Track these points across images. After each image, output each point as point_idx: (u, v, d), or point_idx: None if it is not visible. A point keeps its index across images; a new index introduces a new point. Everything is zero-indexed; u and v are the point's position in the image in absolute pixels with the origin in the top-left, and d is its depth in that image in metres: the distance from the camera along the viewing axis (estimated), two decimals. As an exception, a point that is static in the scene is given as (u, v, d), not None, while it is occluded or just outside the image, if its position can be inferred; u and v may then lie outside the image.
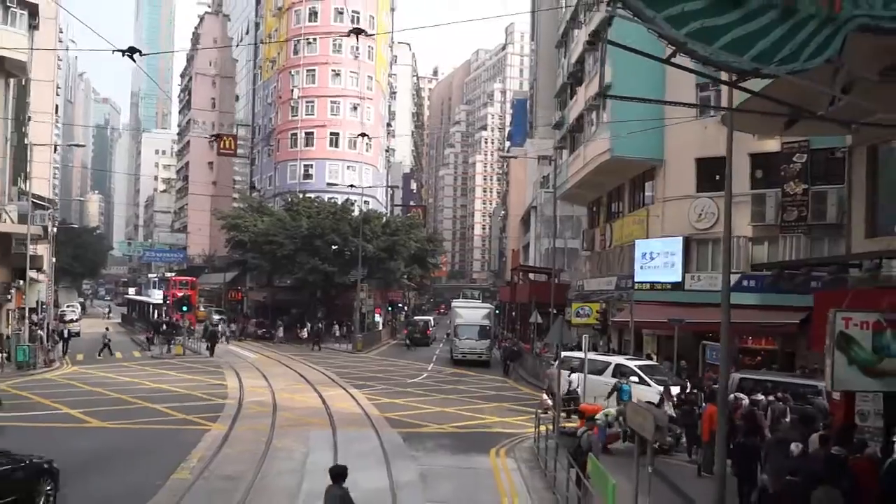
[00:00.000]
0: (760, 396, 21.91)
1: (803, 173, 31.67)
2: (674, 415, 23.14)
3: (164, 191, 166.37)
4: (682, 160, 36.69)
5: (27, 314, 46.71)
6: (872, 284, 15.52)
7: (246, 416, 27.66)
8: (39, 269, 50.48)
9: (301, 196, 74.02)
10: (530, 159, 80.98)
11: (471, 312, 56.45)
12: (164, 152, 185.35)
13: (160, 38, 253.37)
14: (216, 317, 74.12)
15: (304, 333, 63.86)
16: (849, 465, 14.62)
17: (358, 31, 29.12)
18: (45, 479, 16.12)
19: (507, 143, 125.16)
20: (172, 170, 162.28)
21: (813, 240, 31.68)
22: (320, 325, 65.84)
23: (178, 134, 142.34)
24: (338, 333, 67.15)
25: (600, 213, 49.34)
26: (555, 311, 41.40)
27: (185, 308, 54.35)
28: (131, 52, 18.05)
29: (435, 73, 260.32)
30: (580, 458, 16.01)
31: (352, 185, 73.30)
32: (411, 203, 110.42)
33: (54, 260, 65.61)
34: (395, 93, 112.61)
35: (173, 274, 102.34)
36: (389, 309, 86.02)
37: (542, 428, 21.57)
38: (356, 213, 69.36)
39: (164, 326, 55.87)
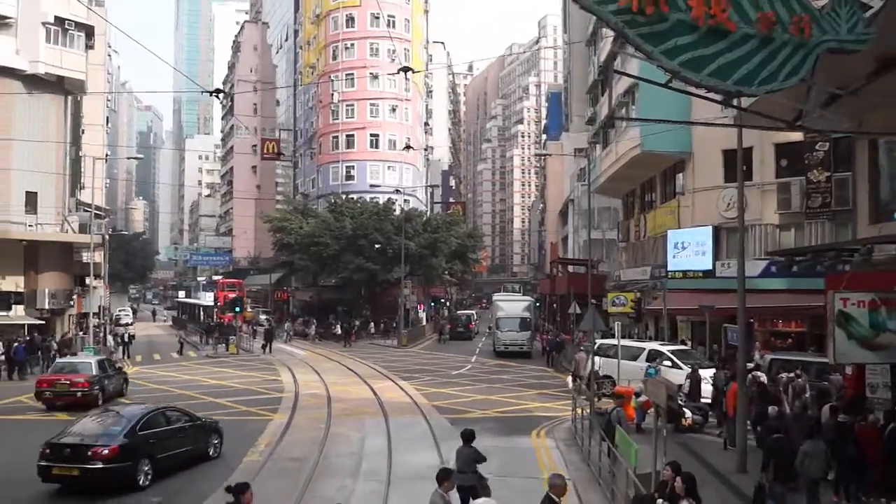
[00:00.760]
0: (783, 375, 23.49)
1: (826, 161, 32.94)
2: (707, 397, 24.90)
3: (209, 195, 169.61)
4: (710, 152, 38.15)
5: (89, 319, 49.27)
6: (867, 268, 17.04)
7: (303, 406, 29.76)
8: (98, 276, 53.05)
9: (344, 197, 76.19)
10: (567, 151, 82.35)
11: (512, 305, 58.25)
12: (207, 157, 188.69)
13: (200, 45, 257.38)
14: (263, 316, 76.45)
15: (338, 330, 65.67)
16: (854, 431, 16.33)
17: (406, 69, 31.11)
18: (214, 434, 21.89)
19: (544, 137, 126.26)
20: (216, 174, 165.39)
21: (837, 225, 32.92)
22: (349, 322, 67.47)
23: (222, 139, 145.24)
24: (373, 330, 68.95)
25: (634, 204, 50.90)
26: (594, 302, 43.02)
27: (237, 309, 56.65)
28: (217, 93, 20.10)
29: (470, 68, 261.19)
30: (611, 432, 17.78)
31: (397, 191, 75.36)
32: (451, 199, 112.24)
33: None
34: (431, 92, 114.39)
35: (221, 276, 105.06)
36: (432, 304, 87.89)
37: (579, 410, 23.36)
38: (398, 211, 71.34)
39: (218, 327, 58.27)
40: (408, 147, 64.59)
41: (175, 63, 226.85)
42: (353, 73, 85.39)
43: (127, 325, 69.96)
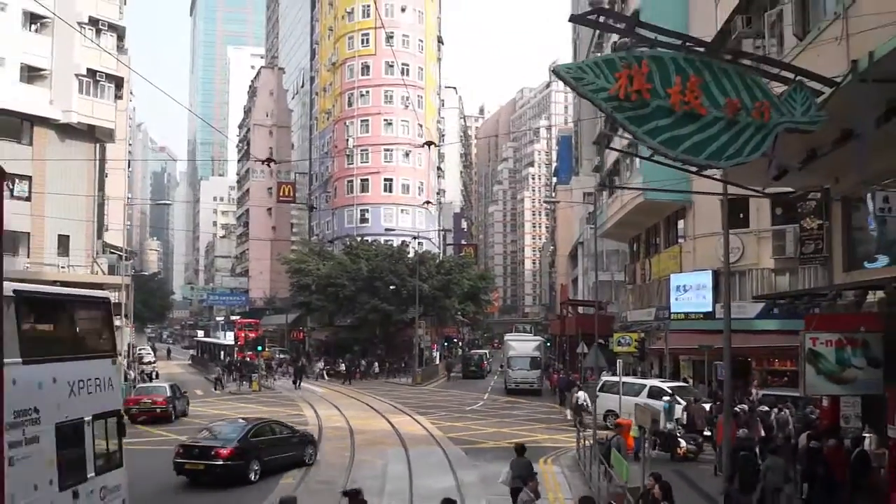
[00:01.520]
0: (765, 407, 25.68)
1: (818, 210, 35.11)
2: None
3: (224, 236, 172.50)
4: (708, 201, 40.25)
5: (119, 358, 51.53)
6: (841, 310, 19.19)
7: (327, 437, 31.97)
8: (126, 316, 55.38)
9: (359, 239, 78.65)
10: (577, 195, 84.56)
11: (522, 345, 60.45)
12: (221, 199, 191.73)
13: (215, 88, 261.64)
14: (279, 356, 78.68)
15: (342, 367, 67.73)
16: (824, 454, 18.48)
17: (430, 143, 33.59)
18: (309, 445, 26.92)
19: (554, 180, 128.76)
20: (230, 215, 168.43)
21: (829, 270, 35.07)
22: (355, 361, 69.97)
23: (238, 182, 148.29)
24: (377, 370, 70.34)
25: (640, 249, 53.18)
26: (602, 342, 45.16)
27: (259, 348, 59.02)
28: (269, 161, 22.70)
29: (481, 111, 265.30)
30: (609, 456, 19.93)
31: (415, 238, 78.05)
32: (462, 242, 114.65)
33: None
34: (443, 135, 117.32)
35: (238, 317, 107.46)
36: (445, 344, 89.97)
37: (584, 441, 25.51)
38: (411, 254, 73.72)
39: (244, 365, 60.72)
40: (428, 202, 67.14)
41: (190, 105, 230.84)
42: (367, 120, 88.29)
43: (150, 363, 72.31)
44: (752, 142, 13.49)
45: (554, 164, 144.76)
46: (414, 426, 35.73)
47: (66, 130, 50.41)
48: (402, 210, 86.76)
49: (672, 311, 41.99)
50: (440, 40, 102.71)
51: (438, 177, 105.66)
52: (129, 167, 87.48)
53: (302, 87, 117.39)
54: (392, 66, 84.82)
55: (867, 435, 19.18)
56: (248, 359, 62.96)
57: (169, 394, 39.03)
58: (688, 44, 13.57)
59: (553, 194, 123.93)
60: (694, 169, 14.04)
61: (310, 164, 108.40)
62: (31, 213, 46.94)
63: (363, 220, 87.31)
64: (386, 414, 40.04)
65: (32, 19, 49.45)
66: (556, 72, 12.89)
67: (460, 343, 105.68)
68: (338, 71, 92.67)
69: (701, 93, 13.15)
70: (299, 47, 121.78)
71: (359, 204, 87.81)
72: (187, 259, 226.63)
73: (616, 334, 45.56)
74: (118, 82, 53.63)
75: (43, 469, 12.63)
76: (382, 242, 77.57)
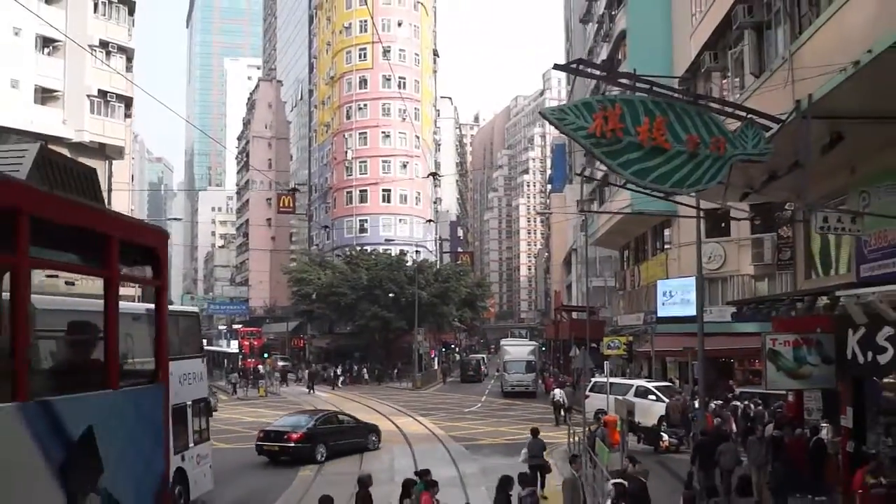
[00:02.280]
0: (737, 403, 28.11)
1: (793, 219, 37.55)
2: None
3: (223, 246, 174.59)
4: (692, 212, 42.74)
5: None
6: (803, 313, 21.48)
7: (337, 438, 34.26)
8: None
9: (358, 249, 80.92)
10: (570, 203, 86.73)
11: (518, 350, 62.80)
12: (220, 209, 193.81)
13: (212, 99, 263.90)
14: (280, 363, 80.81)
15: (330, 374, 69.82)
16: (785, 443, 20.82)
17: (434, 175, 36.17)
18: (373, 433, 31.69)
19: (549, 187, 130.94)
20: (229, 225, 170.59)
21: (794, 277, 37.52)
22: (342, 367, 72.85)
23: (237, 193, 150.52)
24: (367, 376, 72.59)
25: (630, 256, 55.54)
26: (594, 345, 47.49)
27: (265, 355, 61.36)
28: (293, 191, 25.16)
29: (476, 119, 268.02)
30: (594, 446, 22.28)
31: (417, 251, 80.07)
32: (459, 249, 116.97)
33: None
34: (439, 145, 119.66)
35: (240, 325, 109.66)
36: (443, 350, 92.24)
37: (574, 438, 27.84)
38: (409, 262, 76.03)
39: (254, 371, 63.02)
40: (430, 221, 69.47)
41: (188, 116, 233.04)
42: (365, 132, 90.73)
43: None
44: (710, 171, 15.74)
45: (548, 172, 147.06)
46: (417, 426, 38.08)
47: (79, 149, 52.31)
48: (399, 220, 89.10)
49: (659, 315, 44.32)
50: (435, 53, 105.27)
51: (435, 186, 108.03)
52: (132, 181, 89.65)
53: (301, 99, 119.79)
54: (389, 79, 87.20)
55: (824, 425, 21.55)
56: (255, 366, 65.18)
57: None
58: (654, 88, 15.88)
59: (547, 201, 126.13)
60: (662, 194, 16.29)
61: (309, 176, 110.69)
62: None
63: (362, 230, 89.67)
64: (389, 416, 42.31)
65: (45, 43, 51.63)
66: (543, 114, 15.20)
67: (457, 349, 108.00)
68: (336, 85, 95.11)
69: (666, 130, 15.40)
70: (297, 60, 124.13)
71: (358, 214, 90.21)
72: (185, 269, 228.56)
73: (606, 338, 47.84)
74: (128, 102, 55.92)
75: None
76: (381, 252, 79.87)
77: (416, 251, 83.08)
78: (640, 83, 15.81)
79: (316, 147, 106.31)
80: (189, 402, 20.09)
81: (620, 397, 30.32)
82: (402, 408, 47.41)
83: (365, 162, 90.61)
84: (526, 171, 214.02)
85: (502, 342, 74.18)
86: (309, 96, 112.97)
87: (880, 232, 18.19)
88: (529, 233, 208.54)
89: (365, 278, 72.81)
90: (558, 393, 39.86)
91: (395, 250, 79.75)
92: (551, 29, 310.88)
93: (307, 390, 59.84)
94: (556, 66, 16.75)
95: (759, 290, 39.87)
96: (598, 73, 16.28)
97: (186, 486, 19.49)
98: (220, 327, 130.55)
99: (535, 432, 22.28)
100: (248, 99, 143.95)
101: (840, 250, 21.36)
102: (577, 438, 27.32)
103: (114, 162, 67.64)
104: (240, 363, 72.41)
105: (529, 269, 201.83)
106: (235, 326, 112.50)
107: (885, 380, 16.49)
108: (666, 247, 46.74)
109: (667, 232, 46.57)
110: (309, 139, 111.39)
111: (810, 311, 19.84)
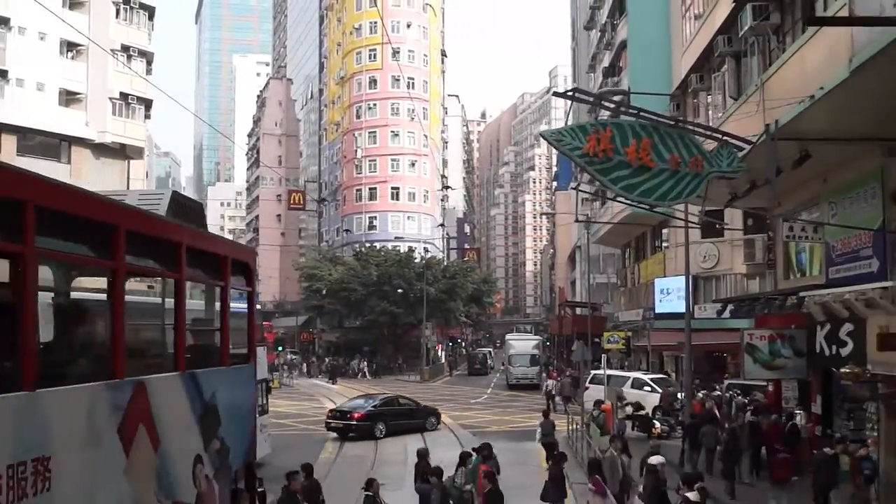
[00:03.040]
0: (718, 393, 30.63)
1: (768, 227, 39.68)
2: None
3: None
4: (690, 215, 44.95)
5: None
6: (778, 311, 23.66)
7: (352, 425, 36.62)
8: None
9: (368, 246, 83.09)
10: (575, 201, 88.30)
11: (522, 344, 65.20)
12: (228, 204, 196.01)
13: (220, 95, 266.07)
14: (290, 356, 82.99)
15: (355, 367, 73.15)
16: (761, 428, 23.07)
17: (446, 187, 38.93)
18: (433, 416, 35.04)
19: (554, 184, 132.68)
20: (238, 220, 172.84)
21: (774, 277, 39.70)
22: (334, 360, 75.17)
23: (248, 189, 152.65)
24: (366, 371, 73.98)
25: (630, 254, 57.72)
26: (596, 340, 49.79)
27: (280, 348, 63.73)
28: (322, 200, 27.60)
29: (483, 115, 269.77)
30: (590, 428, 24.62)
31: (425, 249, 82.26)
32: (466, 246, 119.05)
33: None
34: (446, 143, 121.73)
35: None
36: (450, 344, 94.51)
37: (573, 425, 30.13)
38: (417, 259, 78.27)
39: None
40: (441, 225, 71.60)
41: (196, 111, 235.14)
42: (375, 131, 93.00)
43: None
44: (689, 187, 17.97)
45: (554, 169, 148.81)
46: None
47: (101, 149, 54.50)
48: (408, 217, 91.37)
49: (657, 311, 46.50)
50: (443, 53, 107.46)
51: (442, 184, 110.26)
52: (146, 178, 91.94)
53: (311, 98, 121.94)
54: (398, 79, 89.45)
55: (798, 412, 23.80)
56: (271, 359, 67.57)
57: None
58: (641, 113, 18.10)
59: (553, 198, 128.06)
60: (647, 206, 18.52)
61: (319, 173, 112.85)
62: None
63: (371, 226, 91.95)
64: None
65: (69, 47, 53.75)
66: (542, 135, 17.48)
67: (464, 343, 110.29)
68: (346, 85, 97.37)
69: (651, 151, 17.61)
70: (307, 60, 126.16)
71: (367, 211, 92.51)
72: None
73: (606, 333, 50.13)
74: (147, 104, 58.01)
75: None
76: (391, 249, 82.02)
77: (425, 248, 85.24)
78: (629, 108, 18.07)
79: (326, 145, 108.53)
80: (260, 381, 23.34)
81: (618, 388, 32.60)
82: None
83: (374, 160, 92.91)
84: (532, 168, 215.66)
85: (507, 337, 76.61)
86: (319, 95, 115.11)
87: (845, 238, 20.34)
88: (535, 229, 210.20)
89: (375, 274, 75.02)
90: (551, 384, 43.94)
91: (403, 247, 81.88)
92: (558, 26, 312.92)
93: (330, 382, 62.34)
94: (556, 94, 18.98)
95: (750, 287, 41.85)
96: (591, 100, 18.46)
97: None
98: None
99: (545, 414, 25.89)
100: (259, 96, 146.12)
101: (813, 254, 23.49)
102: (575, 426, 29.61)
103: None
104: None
105: (535, 265, 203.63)
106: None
107: (842, 370, 18.59)
108: (664, 245, 48.89)
109: (665, 232, 48.72)
110: (319, 137, 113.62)
111: (781, 309, 22.10)
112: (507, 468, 22.12)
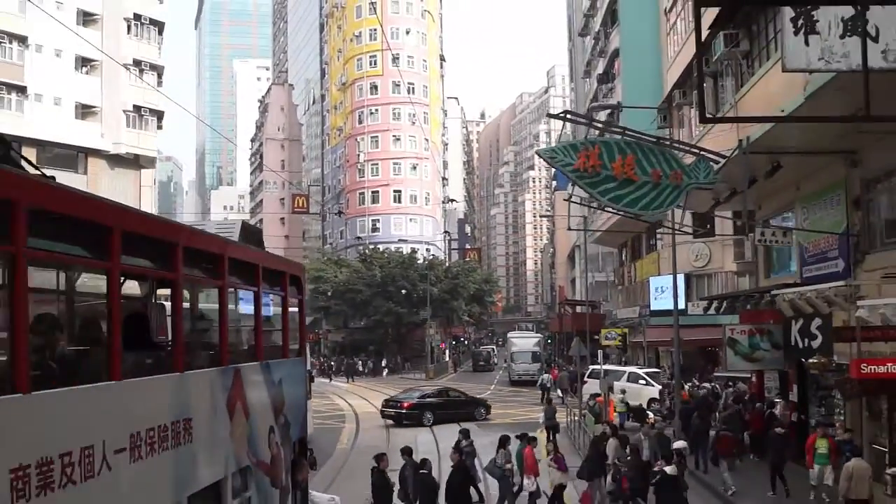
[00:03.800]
0: (707, 384, 32.98)
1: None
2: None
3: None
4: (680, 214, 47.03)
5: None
6: (763, 307, 25.76)
7: (363, 418, 38.88)
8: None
9: (372, 248, 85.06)
10: (568, 208, 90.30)
11: (524, 342, 67.42)
12: (231, 208, 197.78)
13: (221, 100, 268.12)
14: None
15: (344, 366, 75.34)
16: (743, 416, 25.20)
17: (450, 200, 41.43)
18: (481, 406, 38.85)
19: (554, 183, 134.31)
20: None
21: (756, 276, 41.76)
22: (351, 360, 77.49)
23: (251, 193, 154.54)
24: (365, 370, 76.48)
25: (627, 254, 59.79)
26: (595, 337, 51.87)
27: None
28: (339, 212, 29.76)
29: (482, 115, 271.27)
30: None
31: (428, 250, 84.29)
32: (467, 246, 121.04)
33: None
34: (446, 145, 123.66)
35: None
36: (453, 343, 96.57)
37: (571, 417, 32.29)
38: (420, 260, 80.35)
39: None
40: (446, 232, 73.45)
41: (198, 116, 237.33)
42: (377, 136, 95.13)
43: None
44: (670, 198, 20.07)
45: (553, 170, 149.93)
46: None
47: (115, 160, 56.42)
48: (410, 219, 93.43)
49: (652, 308, 48.60)
50: (442, 58, 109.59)
51: (444, 186, 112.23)
52: (154, 184, 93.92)
53: (313, 103, 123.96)
54: (399, 85, 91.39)
55: (777, 401, 25.93)
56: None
57: None
58: (626, 131, 20.19)
59: (552, 197, 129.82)
60: (632, 215, 20.60)
61: (322, 177, 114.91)
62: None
63: (374, 229, 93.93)
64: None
65: (83, 63, 55.72)
66: (538, 153, 19.64)
67: (466, 341, 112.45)
68: (348, 90, 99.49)
69: (635, 165, 19.70)
70: (308, 66, 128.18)
71: (370, 214, 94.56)
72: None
73: (604, 330, 52.22)
74: (159, 115, 60.06)
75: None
76: (394, 250, 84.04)
77: (427, 249, 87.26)
78: (616, 126, 20.19)
79: (329, 150, 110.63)
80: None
81: (611, 382, 34.74)
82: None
83: (377, 164, 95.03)
84: (531, 168, 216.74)
85: (509, 335, 78.78)
86: (321, 101, 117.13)
87: (815, 241, 22.43)
88: (535, 228, 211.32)
89: (379, 276, 77.07)
90: (546, 378, 46.85)
91: (406, 248, 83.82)
92: (556, 26, 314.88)
93: (346, 380, 65.92)
94: (549, 115, 21.45)
95: (740, 285, 43.84)
96: (582, 120, 20.57)
97: None
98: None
99: (549, 401, 29.37)
100: (261, 102, 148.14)
101: (792, 254, 25.59)
102: (573, 417, 31.78)
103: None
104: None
105: (536, 264, 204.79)
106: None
107: (810, 360, 20.68)
108: (659, 243, 50.95)
109: (658, 232, 50.76)
110: (322, 141, 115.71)
111: (757, 306, 24.22)
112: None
